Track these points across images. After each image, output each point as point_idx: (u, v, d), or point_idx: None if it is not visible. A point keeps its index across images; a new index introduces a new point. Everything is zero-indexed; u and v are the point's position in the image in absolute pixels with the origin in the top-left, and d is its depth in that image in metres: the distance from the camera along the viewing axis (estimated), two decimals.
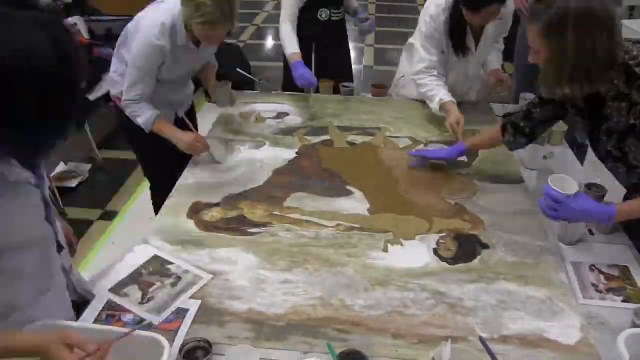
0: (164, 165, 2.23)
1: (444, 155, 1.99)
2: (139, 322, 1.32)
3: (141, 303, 1.38)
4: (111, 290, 1.42)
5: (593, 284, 1.45)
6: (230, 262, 1.52)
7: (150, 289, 1.42)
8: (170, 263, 1.52)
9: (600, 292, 1.43)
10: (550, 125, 1.82)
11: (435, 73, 2.24)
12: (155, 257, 1.54)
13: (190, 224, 1.69)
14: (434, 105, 2.20)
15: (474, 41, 2.27)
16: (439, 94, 2.19)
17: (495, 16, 2.09)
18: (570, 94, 1.41)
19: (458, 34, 2.21)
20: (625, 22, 4.26)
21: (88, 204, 3.28)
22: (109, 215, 3.19)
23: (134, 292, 1.42)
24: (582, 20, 1.31)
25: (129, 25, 2.07)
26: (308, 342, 1.27)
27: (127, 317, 1.34)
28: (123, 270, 1.49)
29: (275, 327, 1.31)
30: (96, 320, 1.33)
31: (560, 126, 2.12)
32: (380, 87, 2.70)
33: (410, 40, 2.44)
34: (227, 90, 2.42)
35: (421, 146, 2.15)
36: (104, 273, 1.49)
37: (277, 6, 7.86)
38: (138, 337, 1.12)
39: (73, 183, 3.46)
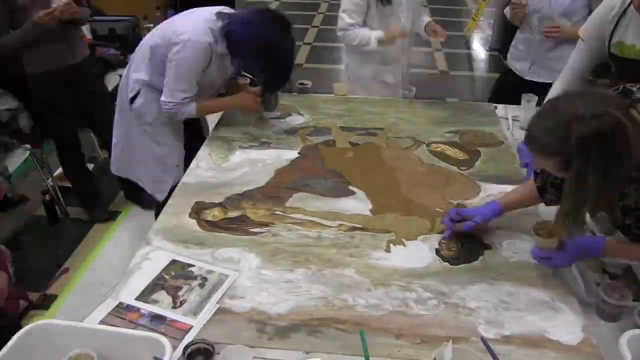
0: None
1: (479, 220, 1.61)
2: (156, 316, 1.33)
3: (174, 307, 1.36)
4: (138, 299, 1.39)
5: (597, 283, 1.45)
6: (233, 262, 1.53)
7: (180, 293, 1.41)
8: (191, 265, 1.50)
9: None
10: None
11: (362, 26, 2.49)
12: (174, 262, 1.52)
13: (193, 223, 1.69)
14: (373, 41, 2.45)
15: None
16: (371, 33, 2.45)
17: None
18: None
19: None
20: None
21: None
22: (111, 215, 3.19)
23: (164, 297, 1.40)
24: (604, 148, 1.11)
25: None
26: (310, 342, 1.27)
27: (146, 309, 1.36)
28: (144, 278, 1.46)
29: (277, 326, 1.31)
30: (117, 307, 1.35)
31: None
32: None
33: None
34: (275, 96, 2.38)
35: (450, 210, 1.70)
36: (124, 283, 1.44)
37: (280, 7, 7.88)
38: (140, 338, 1.13)
39: None
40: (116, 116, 2.29)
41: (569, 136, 1.11)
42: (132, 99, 2.17)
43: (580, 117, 1.11)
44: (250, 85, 2.39)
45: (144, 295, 1.40)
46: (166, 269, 1.49)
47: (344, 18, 2.50)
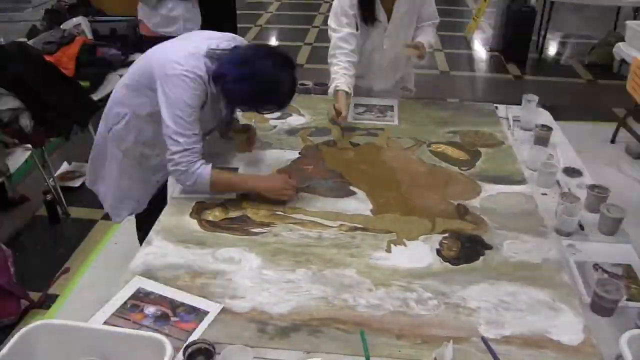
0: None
1: None
2: (160, 317, 1.33)
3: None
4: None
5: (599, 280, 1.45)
6: (234, 262, 1.53)
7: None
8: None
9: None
10: None
11: (347, 49, 2.25)
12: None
13: (194, 223, 1.69)
14: (330, 90, 2.27)
15: (385, 14, 2.31)
16: (339, 80, 2.23)
17: None
18: None
19: (367, 4, 2.26)
20: (630, 23, 4.25)
21: (91, 203, 3.25)
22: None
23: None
24: None
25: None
26: (311, 342, 1.27)
27: (150, 310, 1.35)
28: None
29: (278, 327, 1.32)
30: (121, 308, 1.35)
31: None
32: None
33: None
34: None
35: None
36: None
37: (281, 7, 7.89)
38: (141, 338, 1.13)
39: (76, 183, 3.47)
40: (98, 131, 2.08)
41: None
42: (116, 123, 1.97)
43: None
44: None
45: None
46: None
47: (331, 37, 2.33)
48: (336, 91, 2.21)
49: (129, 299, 1.39)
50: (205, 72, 1.72)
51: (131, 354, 1.12)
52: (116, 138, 1.99)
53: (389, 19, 2.33)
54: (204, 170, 1.75)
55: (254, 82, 1.68)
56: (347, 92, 2.22)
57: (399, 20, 2.35)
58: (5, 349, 1.08)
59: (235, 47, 1.81)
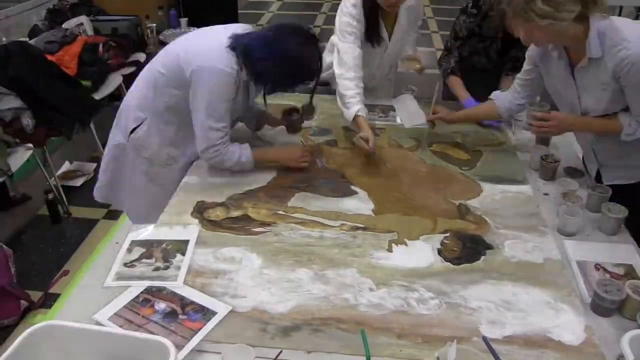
0: None
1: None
2: (169, 314, 1.34)
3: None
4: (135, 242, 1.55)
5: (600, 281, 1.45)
6: (235, 262, 1.53)
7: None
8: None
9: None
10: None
11: (353, 64, 2.17)
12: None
13: (195, 223, 1.69)
14: (349, 114, 2.11)
15: (387, 33, 2.33)
16: (356, 104, 2.10)
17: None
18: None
19: (372, 23, 2.24)
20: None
21: (93, 203, 3.27)
22: (114, 215, 3.20)
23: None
24: None
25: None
26: (312, 342, 1.27)
27: (160, 306, 1.37)
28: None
29: (279, 326, 1.32)
30: (133, 301, 1.37)
31: None
32: None
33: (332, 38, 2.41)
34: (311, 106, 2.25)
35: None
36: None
37: (282, 7, 7.89)
38: (145, 341, 1.12)
39: (78, 182, 3.48)
40: (110, 142, 2.05)
41: None
42: (133, 130, 1.95)
43: None
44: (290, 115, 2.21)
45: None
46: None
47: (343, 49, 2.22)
48: (357, 116, 2.09)
49: (142, 292, 1.41)
50: (236, 63, 1.75)
51: (136, 356, 1.11)
52: (138, 146, 1.97)
53: (389, 38, 2.34)
54: (244, 150, 1.89)
55: (282, 61, 1.73)
56: (364, 117, 2.10)
57: (399, 38, 2.38)
58: (9, 350, 1.08)
59: (256, 31, 1.85)
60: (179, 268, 1.49)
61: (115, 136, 2.02)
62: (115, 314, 1.33)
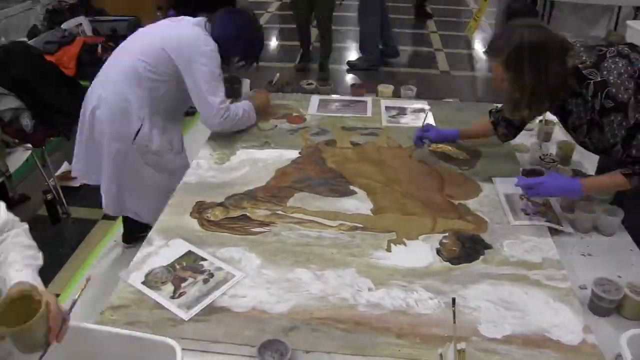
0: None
1: (433, 135, 2.02)
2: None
3: (173, 298, 1.40)
4: (144, 283, 1.44)
5: (522, 209, 1.72)
6: (234, 262, 1.53)
7: (183, 284, 1.44)
8: (204, 259, 1.53)
9: (528, 214, 1.70)
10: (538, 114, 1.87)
11: None
12: (189, 253, 1.56)
13: (194, 223, 1.70)
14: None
15: None
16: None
17: None
18: (528, 116, 1.70)
19: None
20: (630, 22, 4.25)
21: (91, 203, 3.27)
22: (113, 215, 3.19)
23: (167, 286, 1.44)
24: (537, 53, 1.49)
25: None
26: (311, 341, 1.28)
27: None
28: (156, 264, 1.52)
29: (278, 326, 1.32)
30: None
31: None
32: (360, 87, 2.73)
33: None
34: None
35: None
36: (137, 266, 1.50)
37: (282, 7, 7.88)
38: (151, 342, 1.12)
39: (77, 183, 3.45)
40: (109, 158, 2.13)
41: (510, 40, 1.51)
42: (136, 134, 2.08)
43: (520, 27, 1.53)
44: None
45: (150, 279, 1.46)
46: (180, 259, 1.53)
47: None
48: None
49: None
50: (212, 42, 2.08)
51: (142, 356, 1.11)
52: (143, 145, 2.11)
53: None
54: (245, 105, 2.21)
55: (235, 37, 2.14)
56: None
57: None
58: None
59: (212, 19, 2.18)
60: (220, 269, 1.50)
61: (111, 144, 2.09)
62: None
